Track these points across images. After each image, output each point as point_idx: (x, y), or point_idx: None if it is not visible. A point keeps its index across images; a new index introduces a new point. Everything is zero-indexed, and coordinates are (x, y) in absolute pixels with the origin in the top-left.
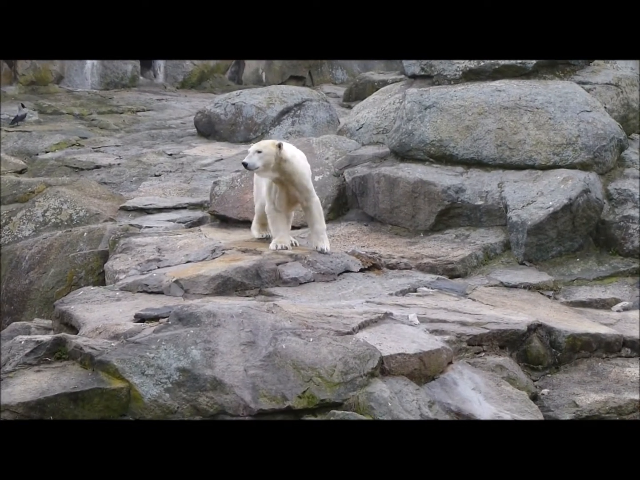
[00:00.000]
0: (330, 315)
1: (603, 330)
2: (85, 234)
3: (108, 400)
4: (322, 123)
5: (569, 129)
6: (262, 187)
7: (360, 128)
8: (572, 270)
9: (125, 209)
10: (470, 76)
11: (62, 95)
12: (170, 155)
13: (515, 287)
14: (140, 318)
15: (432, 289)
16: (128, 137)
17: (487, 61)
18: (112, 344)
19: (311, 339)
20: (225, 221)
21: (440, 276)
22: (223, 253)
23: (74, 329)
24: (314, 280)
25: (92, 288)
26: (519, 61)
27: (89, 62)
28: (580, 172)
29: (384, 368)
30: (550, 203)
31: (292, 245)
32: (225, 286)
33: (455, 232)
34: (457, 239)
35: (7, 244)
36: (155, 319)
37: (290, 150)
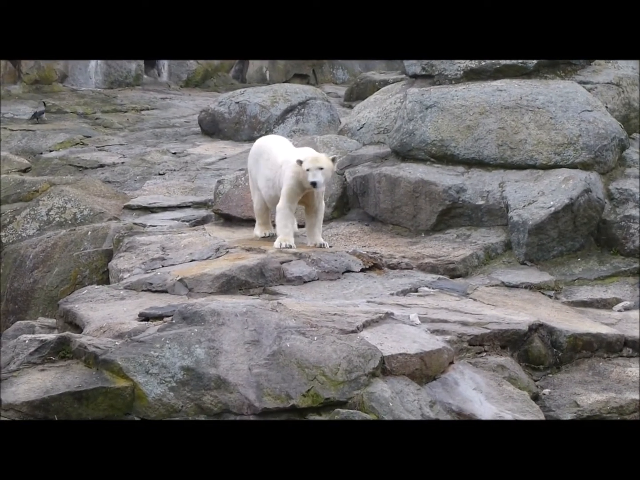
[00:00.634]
0: (335, 314)
1: (604, 330)
2: (89, 232)
3: (112, 399)
4: (325, 122)
5: (570, 128)
6: (258, 180)
7: (361, 128)
8: (573, 270)
9: (129, 208)
10: (472, 76)
11: (66, 94)
12: (174, 154)
13: (516, 287)
14: (145, 317)
15: (433, 288)
16: (132, 135)
17: (488, 61)
18: (116, 343)
19: (315, 338)
20: (229, 220)
21: (441, 276)
22: (227, 252)
23: (78, 328)
24: (318, 279)
25: (96, 287)
26: (520, 61)
27: (92, 61)
28: (582, 171)
29: (385, 368)
30: (552, 203)
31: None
32: (230, 285)
33: (457, 232)
34: (458, 238)
35: (11, 242)
36: (160, 317)
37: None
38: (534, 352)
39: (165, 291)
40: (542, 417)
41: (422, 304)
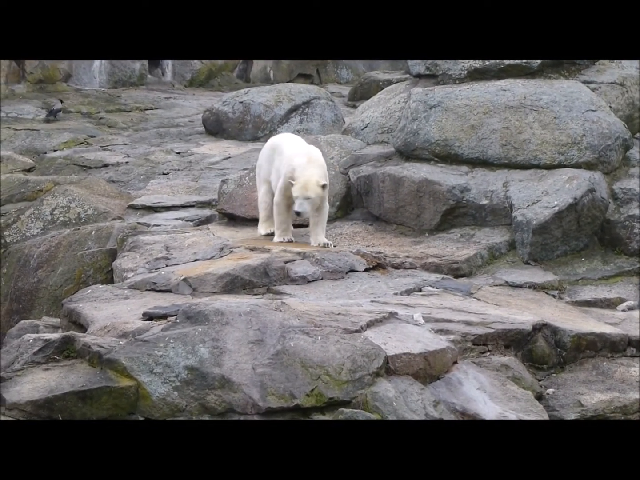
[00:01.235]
0: (339, 314)
1: (608, 329)
2: (93, 232)
3: (116, 398)
4: (329, 122)
5: (574, 128)
6: (272, 174)
7: (365, 127)
8: (577, 269)
9: (133, 207)
10: (475, 75)
11: (70, 94)
12: (178, 153)
13: (520, 286)
14: (149, 316)
15: (437, 288)
16: (136, 135)
17: (492, 61)
18: (121, 343)
19: (319, 337)
20: (233, 219)
21: (445, 276)
22: (231, 251)
23: (82, 328)
24: (322, 279)
25: (100, 286)
26: (524, 61)
27: (97, 61)
28: (586, 171)
29: (389, 368)
30: (556, 202)
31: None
32: (234, 284)
33: (460, 232)
34: (462, 238)
35: (15, 242)
36: (164, 317)
37: (325, 178)
38: (537, 351)
39: (169, 291)
40: (546, 416)
41: (426, 303)
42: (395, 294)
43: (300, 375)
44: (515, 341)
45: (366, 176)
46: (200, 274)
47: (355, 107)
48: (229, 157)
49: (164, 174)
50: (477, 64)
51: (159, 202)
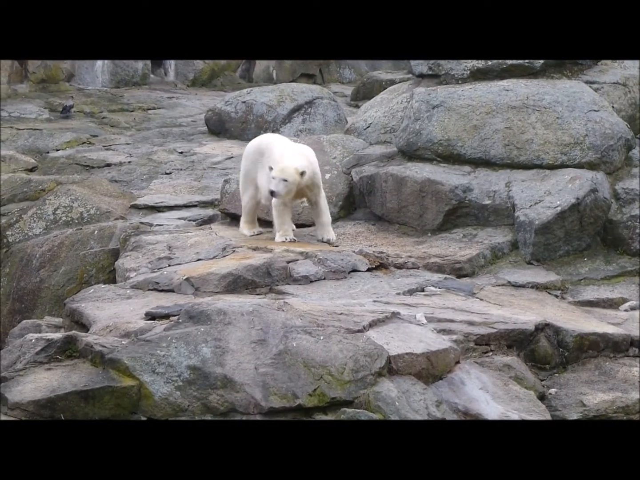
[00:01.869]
0: (341, 313)
1: (610, 329)
2: (95, 232)
3: (119, 398)
4: (332, 122)
5: (576, 128)
6: (258, 177)
7: (367, 127)
8: (579, 269)
9: (135, 207)
10: (478, 75)
11: (72, 94)
12: (181, 153)
13: (522, 286)
14: (151, 316)
15: (439, 288)
16: (139, 135)
17: (495, 61)
18: (123, 342)
19: (322, 337)
20: (235, 219)
21: (447, 276)
22: (234, 251)
23: (84, 327)
24: (324, 278)
25: (102, 286)
26: (526, 61)
27: (99, 61)
28: (588, 171)
29: (392, 367)
30: (558, 202)
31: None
32: (236, 284)
33: (463, 232)
34: (465, 238)
35: (17, 242)
36: (166, 317)
37: (307, 168)
38: (540, 351)
39: (171, 290)
40: (548, 416)
41: (428, 303)
42: (398, 293)
43: (303, 375)
44: (518, 341)
45: (369, 176)
46: (202, 274)
47: (357, 106)
48: (232, 157)
49: (166, 173)
50: (479, 64)
51: (161, 202)
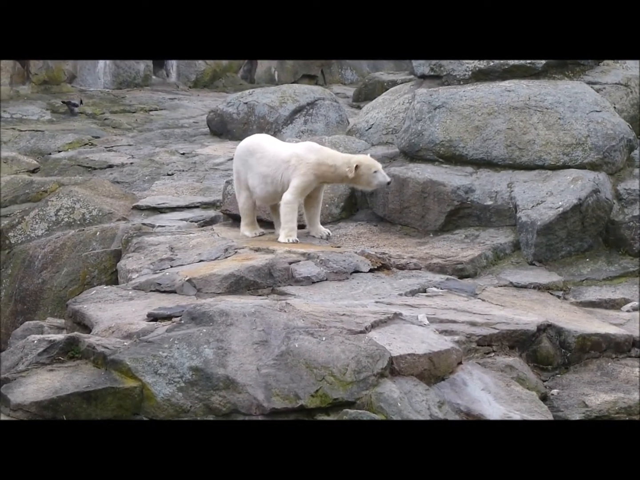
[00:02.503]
0: (343, 314)
1: (613, 330)
2: (98, 233)
3: (121, 399)
4: (333, 122)
5: (578, 129)
6: (249, 179)
7: (369, 128)
8: (581, 270)
9: (138, 208)
10: (480, 76)
11: (74, 95)
12: (183, 154)
13: (524, 287)
14: (153, 317)
15: (441, 289)
16: (141, 136)
17: (497, 61)
18: (125, 343)
19: (324, 338)
20: (237, 220)
21: (449, 276)
22: (236, 252)
23: (86, 328)
24: (326, 279)
25: (104, 287)
26: (528, 61)
27: (101, 62)
28: (590, 172)
29: (394, 368)
30: (560, 203)
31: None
32: (238, 285)
33: (465, 232)
34: (467, 239)
35: (20, 243)
36: (168, 318)
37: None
38: (542, 352)
39: (173, 291)
40: (550, 417)
41: (430, 304)
42: (400, 294)
43: (305, 376)
44: (520, 342)
45: None
46: (204, 275)
47: (359, 107)
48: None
49: (168, 174)
50: (481, 64)
51: (163, 203)
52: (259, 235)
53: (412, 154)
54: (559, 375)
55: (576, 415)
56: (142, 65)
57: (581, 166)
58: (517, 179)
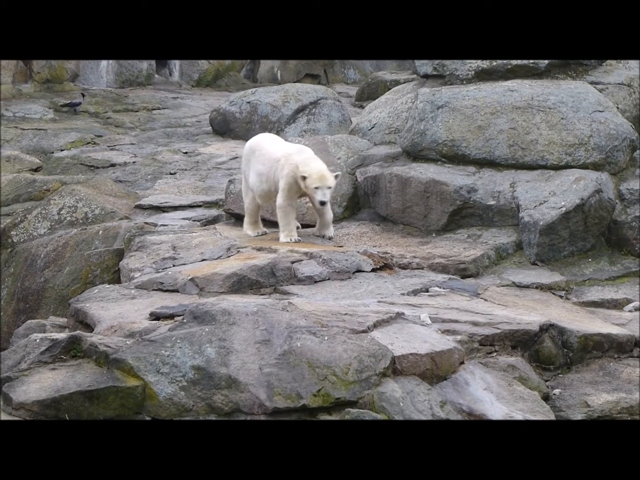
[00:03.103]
0: (345, 314)
1: (615, 330)
2: (100, 232)
3: (123, 398)
4: (336, 122)
5: (581, 129)
6: (249, 177)
7: (372, 128)
8: (584, 270)
9: (140, 207)
10: (483, 76)
11: (77, 94)
12: (186, 153)
13: (527, 287)
14: (156, 316)
15: (444, 288)
16: (143, 135)
17: (500, 61)
18: (127, 342)
19: (326, 337)
20: (240, 219)
21: (452, 276)
22: (238, 251)
23: (89, 327)
24: (328, 279)
25: (107, 286)
26: (531, 61)
27: (104, 61)
28: (593, 172)
29: (396, 368)
30: (563, 203)
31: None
32: (241, 284)
33: (467, 232)
34: (469, 238)
35: (22, 242)
36: (171, 317)
37: (335, 171)
38: (544, 352)
39: (176, 290)
40: (552, 417)
41: (432, 304)
42: (402, 294)
43: (307, 375)
44: (522, 342)
45: (373, 176)
46: (207, 274)
47: (362, 107)
48: (236, 157)
49: (171, 173)
50: (484, 64)
51: (166, 202)
52: (262, 235)
53: (414, 154)
54: (561, 375)
55: (578, 415)
56: (145, 64)
57: (584, 166)
58: (520, 179)
